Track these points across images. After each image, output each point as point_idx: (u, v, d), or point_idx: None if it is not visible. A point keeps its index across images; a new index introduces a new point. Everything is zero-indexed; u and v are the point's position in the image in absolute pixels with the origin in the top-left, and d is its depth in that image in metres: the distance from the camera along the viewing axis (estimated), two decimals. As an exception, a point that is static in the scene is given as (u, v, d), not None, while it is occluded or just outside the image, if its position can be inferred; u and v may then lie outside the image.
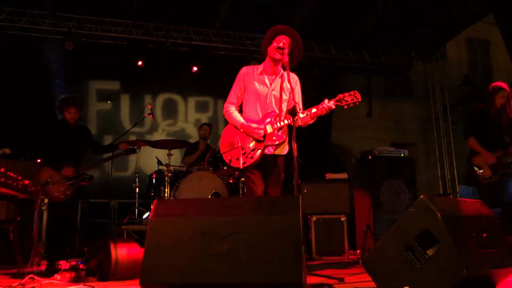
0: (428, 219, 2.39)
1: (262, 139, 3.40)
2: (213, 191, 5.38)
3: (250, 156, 3.40)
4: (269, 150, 3.46)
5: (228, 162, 3.49)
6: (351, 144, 9.32)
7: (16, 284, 3.32)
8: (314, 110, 3.40)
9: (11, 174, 3.09)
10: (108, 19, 7.81)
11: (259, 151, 3.40)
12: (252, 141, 3.44)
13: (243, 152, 3.41)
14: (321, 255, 5.59)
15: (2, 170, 2.93)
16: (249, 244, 2.32)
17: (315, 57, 8.64)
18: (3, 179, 2.95)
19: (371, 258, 2.61)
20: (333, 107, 3.41)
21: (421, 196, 2.48)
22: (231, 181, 5.84)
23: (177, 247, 2.36)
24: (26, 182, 3.35)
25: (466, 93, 10.53)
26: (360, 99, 3.44)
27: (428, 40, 8.79)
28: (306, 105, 3.49)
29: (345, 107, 3.43)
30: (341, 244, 5.65)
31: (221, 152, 3.56)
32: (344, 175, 6.06)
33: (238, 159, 3.41)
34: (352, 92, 3.44)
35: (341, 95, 3.43)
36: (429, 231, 2.37)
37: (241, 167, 3.38)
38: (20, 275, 3.74)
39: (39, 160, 4.78)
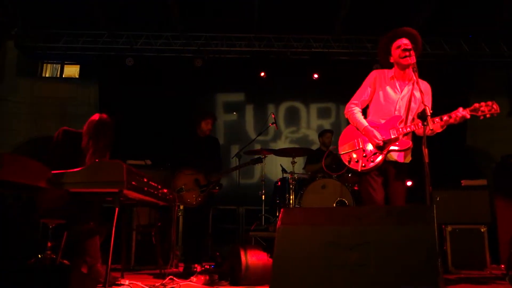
0: None
1: (381, 145, 3.26)
2: (338, 199, 5.31)
3: (371, 159, 3.28)
4: (392, 157, 3.32)
5: (346, 163, 3.41)
6: (489, 147, 8.43)
7: (159, 284, 3.64)
8: (445, 118, 3.18)
9: (153, 183, 3.39)
10: (232, 34, 8.22)
11: (381, 156, 3.27)
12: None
13: (364, 154, 3.32)
14: (458, 268, 5.16)
15: (145, 180, 3.23)
16: (379, 255, 2.23)
17: (445, 55, 8.05)
18: (146, 188, 3.24)
19: (521, 275, 2.33)
20: (468, 116, 3.14)
21: None
22: (356, 188, 5.70)
23: (304, 256, 2.36)
24: (165, 190, 3.64)
25: None
26: (498, 111, 3.11)
27: None
28: (437, 109, 3.26)
29: (481, 117, 3.14)
30: (482, 257, 5.14)
31: (340, 152, 3.48)
32: (483, 182, 5.53)
33: (358, 161, 3.33)
34: (489, 103, 3.12)
35: (477, 105, 3.15)
36: None
37: (359, 170, 3.30)
38: (162, 276, 4.07)
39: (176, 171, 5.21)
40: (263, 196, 5.88)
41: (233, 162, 6.19)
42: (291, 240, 2.45)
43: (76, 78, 9.31)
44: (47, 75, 9.33)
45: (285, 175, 5.94)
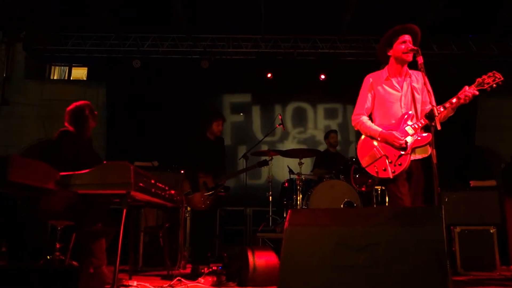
0: None
1: (405, 146, 3.19)
2: (346, 199, 5.29)
3: (399, 163, 3.16)
4: (416, 155, 3.23)
5: (375, 174, 3.27)
6: (498, 148, 8.36)
7: (166, 285, 3.64)
8: (454, 100, 3.14)
9: (160, 185, 3.39)
10: (239, 35, 8.23)
11: (408, 156, 3.18)
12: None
13: (389, 161, 3.20)
14: (468, 270, 5.10)
15: (153, 181, 3.23)
16: (387, 256, 2.21)
17: (452, 55, 7.99)
18: (153, 190, 3.24)
19: (531, 277, 2.30)
20: (477, 92, 3.12)
21: None
22: (363, 190, 5.66)
23: (312, 257, 2.35)
24: (172, 192, 3.64)
25: None
26: (502, 78, 3.13)
27: None
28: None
29: (488, 89, 3.13)
30: (492, 259, 5.08)
31: (363, 166, 3.34)
32: (492, 182, 5.47)
33: (385, 169, 3.19)
34: (490, 74, 3.14)
35: (479, 79, 3.15)
36: None
37: (392, 177, 3.15)
38: (169, 277, 4.08)
39: (182, 172, 5.21)
40: (270, 197, 5.87)
41: (240, 163, 6.19)
42: (298, 241, 2.43)
43: (83, 80, 9.38)
44: (55, 78, 9.41)
45: (292, 176, 5.93)
